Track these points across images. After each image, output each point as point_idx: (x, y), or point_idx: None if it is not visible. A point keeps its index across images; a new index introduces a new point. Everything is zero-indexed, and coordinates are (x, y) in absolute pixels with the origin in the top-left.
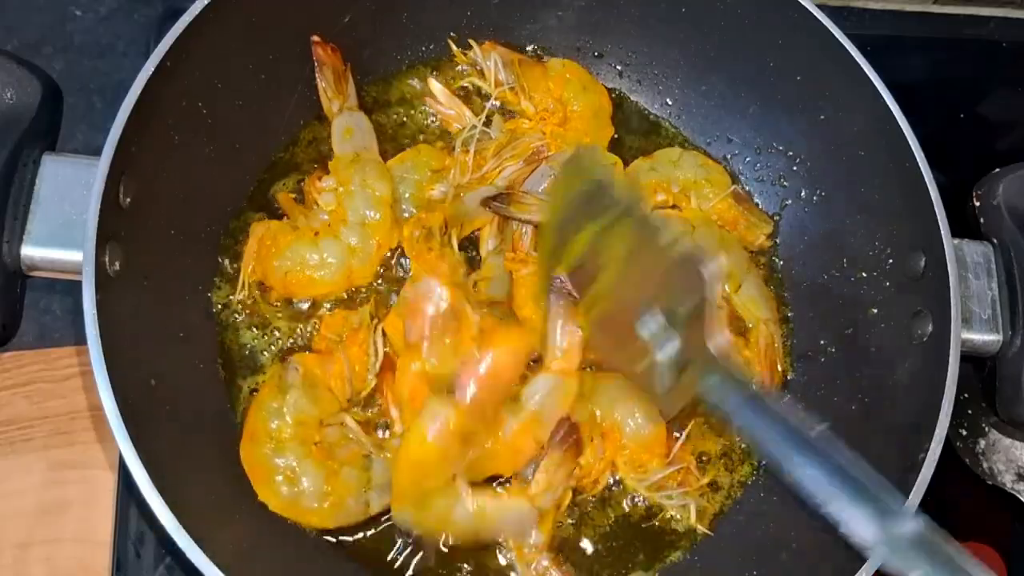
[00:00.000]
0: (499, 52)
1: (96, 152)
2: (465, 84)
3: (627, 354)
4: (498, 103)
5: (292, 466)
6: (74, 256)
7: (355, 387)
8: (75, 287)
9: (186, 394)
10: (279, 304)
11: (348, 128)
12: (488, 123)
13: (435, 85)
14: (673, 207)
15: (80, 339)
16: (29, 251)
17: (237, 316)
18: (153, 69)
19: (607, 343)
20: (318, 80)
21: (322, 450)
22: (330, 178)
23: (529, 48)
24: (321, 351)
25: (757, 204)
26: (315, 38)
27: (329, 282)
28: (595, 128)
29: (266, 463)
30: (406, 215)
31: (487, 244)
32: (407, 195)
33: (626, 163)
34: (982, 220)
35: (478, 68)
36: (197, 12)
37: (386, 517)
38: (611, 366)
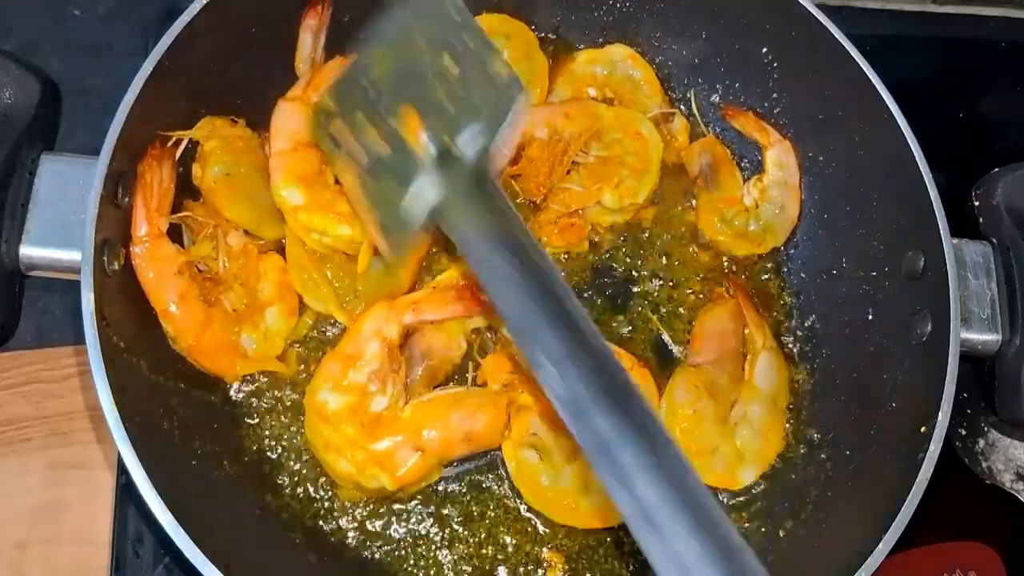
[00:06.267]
0: None
1: (95, 152)
2: None
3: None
4: None
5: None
6: (73, 256)
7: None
8: (74, 287)
9: (185, 393)
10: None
11: None
12: None
13: None
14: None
15: (79, 339)
16: (28, 251)
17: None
18: (151, 69)
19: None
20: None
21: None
22: None
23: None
24: None
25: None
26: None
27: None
28: (530, 70)
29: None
30: None
31: None
32: None
33: None
34: (981, 220)
35: None
36: (195, 12)
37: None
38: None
